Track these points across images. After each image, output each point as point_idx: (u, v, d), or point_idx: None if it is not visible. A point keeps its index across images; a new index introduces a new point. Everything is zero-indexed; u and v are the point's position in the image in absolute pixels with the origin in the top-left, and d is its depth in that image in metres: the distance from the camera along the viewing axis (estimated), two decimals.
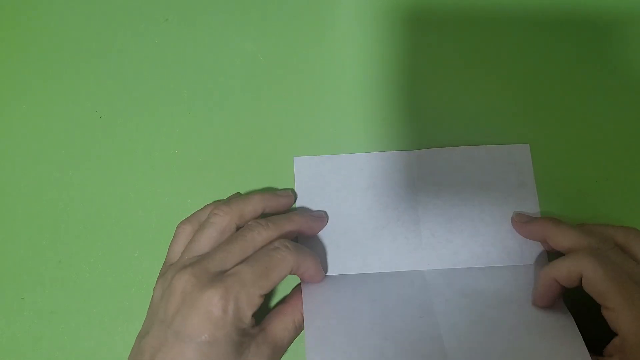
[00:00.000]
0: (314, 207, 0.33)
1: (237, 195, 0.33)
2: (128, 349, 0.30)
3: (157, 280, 0.28)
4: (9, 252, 0.33)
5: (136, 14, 0.39)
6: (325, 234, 0.32)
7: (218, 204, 0.30)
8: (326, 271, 0.32)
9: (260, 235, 0.27)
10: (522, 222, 0.31)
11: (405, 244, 0.32)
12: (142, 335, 0.26)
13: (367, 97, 0.36)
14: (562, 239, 0.28)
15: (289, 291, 0.31)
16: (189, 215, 0.31)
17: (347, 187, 0.33)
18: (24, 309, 0.32)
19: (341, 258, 0.32)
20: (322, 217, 0.32)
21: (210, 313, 0.24)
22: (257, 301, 0.25)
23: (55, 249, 0.33)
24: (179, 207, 0.33)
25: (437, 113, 0.35)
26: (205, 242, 0.28)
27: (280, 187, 0.34)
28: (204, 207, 0.31)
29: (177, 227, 0.30)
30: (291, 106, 0.36)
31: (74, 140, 0.35)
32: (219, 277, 0.25)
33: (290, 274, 0.27)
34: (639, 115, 0.35)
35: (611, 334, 0.25)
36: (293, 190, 0.33)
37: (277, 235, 0.28)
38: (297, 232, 0.30)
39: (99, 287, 0.32)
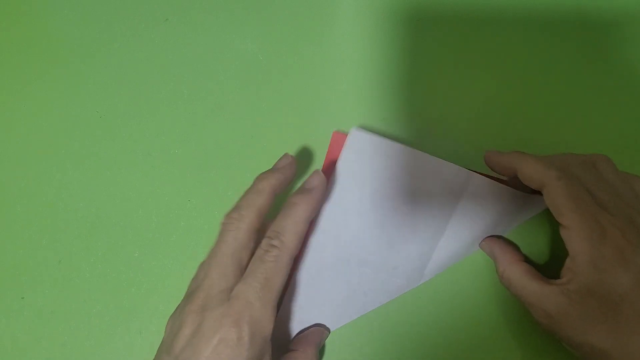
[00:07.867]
0: (349, 190, 0.28)
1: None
2: (128, 349, 0.30)
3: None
4: (9, 252, 0.33)
5: (136, 14, 0.39)
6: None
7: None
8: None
9: (241, 230, 0.25)
10: (493, 156, 0.29)
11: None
12: None
13: (367, 97, 0.36)
14: (530, 169, 0.26)
15: None
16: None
17: (390, 181, 0.28)
18: (24, 309, 0.31)
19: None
20: (290, 163, 0.28)
21: (224, 341, 0.23)
22: (271, 313, 0.24)
23: (55, 249, 0.33)
24: (179, 207, 0.33)
25: (437, 113, 0.35)
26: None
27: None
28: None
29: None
30: (291, 106, 0.36)
31: (74, 140, 0.35)
32: (224, 301, 0.24)
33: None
34: (639, 115, 0.35)
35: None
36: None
37: (256, 219, 0.26)
38: (272, 199, 0.27)
39: (99, 287, 0.32)
